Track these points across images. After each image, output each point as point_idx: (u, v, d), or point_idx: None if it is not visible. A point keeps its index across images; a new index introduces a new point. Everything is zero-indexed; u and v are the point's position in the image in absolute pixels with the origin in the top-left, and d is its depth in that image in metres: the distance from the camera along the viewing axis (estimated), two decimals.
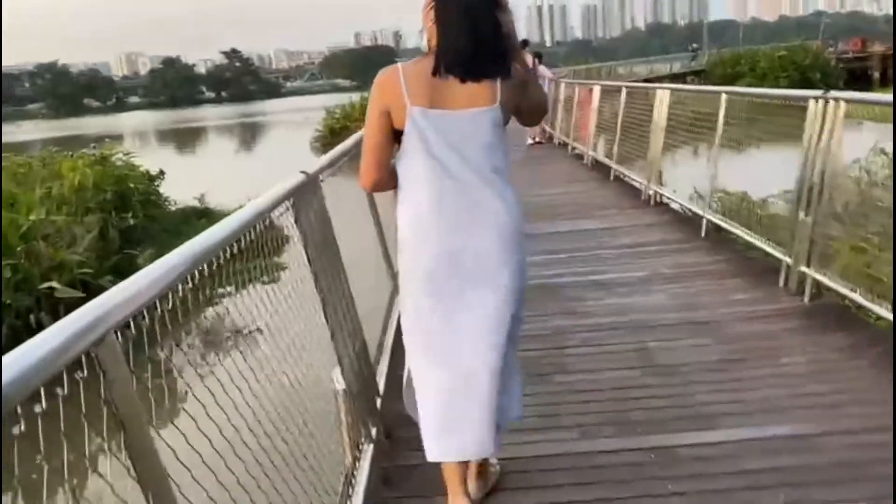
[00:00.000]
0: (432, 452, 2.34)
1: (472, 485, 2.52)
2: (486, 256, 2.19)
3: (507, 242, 2.21)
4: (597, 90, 10.59)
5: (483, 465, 2.58)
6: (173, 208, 14.45)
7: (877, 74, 47.21)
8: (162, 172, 14.80)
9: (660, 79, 40.35)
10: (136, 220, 10.50)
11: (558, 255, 5.89)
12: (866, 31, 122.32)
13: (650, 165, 7.77)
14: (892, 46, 25.75)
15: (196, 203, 14.95)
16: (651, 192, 7.73)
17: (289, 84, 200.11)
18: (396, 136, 2.21)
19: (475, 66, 2.12)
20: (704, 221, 6.08)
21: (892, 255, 3.52)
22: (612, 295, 4.78)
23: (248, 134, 54.65)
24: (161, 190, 14.49)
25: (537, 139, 15.16)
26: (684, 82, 43.26)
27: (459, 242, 2.18)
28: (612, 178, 9.40)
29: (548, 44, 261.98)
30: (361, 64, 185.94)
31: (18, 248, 8.14)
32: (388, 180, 2.29)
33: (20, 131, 71.26)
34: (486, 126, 2.16)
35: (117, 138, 56.04)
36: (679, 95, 7.40)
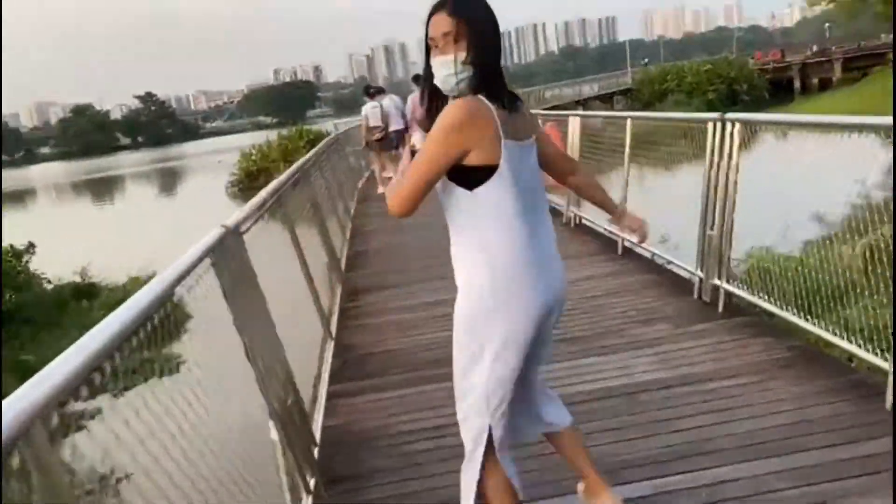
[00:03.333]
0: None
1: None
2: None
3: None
4: (575, 124, 7.47)
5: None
6: (50, 286, 11.91)
7: (798, 84, 47.80)
8: (32, 246, 12.25)
9: (587, 100, 39.51)
10: None
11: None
12: (768, 43, 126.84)
13: (711, 245, 4.53)
14: (892, 42, 25.24)
15: (77, 279, 12.41)
16: (721, 289, 4.42)
17: (208, 125, 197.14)
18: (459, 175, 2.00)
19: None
20: (891, 386, 2.93)
21: None
22: None
23: (162, 181, 51.78)
24: (34, 266, 11.98)
25: None
26: (612, 102, 42.71)
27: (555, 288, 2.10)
28: (619, 250, 6.14)
29: None
30: (281, 100, 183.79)
31: None
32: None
33: None
34: (535, 160, 2.11)
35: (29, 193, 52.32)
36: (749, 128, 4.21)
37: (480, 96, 1.93)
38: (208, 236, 2.43)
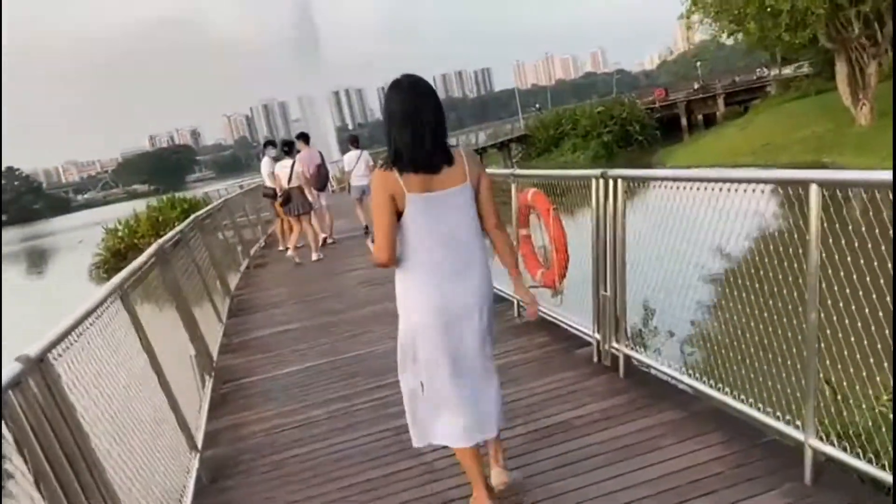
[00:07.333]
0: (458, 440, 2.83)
1: (496, 470, 3.03)
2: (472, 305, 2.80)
3: (484, 293, 2.85)
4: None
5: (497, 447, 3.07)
6: None
7: (684, 121, 48.52)
8: None
9: (485, 149, 38.33)
10: None
11: None
12: (634, 86, 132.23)
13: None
14: (893, 41, 24.16)
15: None
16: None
17: (80, 197, 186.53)
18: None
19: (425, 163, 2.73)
20: None
21: None
22: None
23: (26, 263, 46.47)
24: None
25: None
26: (509, 149, 41.73)
27: (456, 292, 2.77)
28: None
29: (350, 126, 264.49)
30: (159, 166, 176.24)
31: None
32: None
33: None
34: (463, 201, 2.78)
35: None
36: None
37: (384, 169, 2.73)
38: None
